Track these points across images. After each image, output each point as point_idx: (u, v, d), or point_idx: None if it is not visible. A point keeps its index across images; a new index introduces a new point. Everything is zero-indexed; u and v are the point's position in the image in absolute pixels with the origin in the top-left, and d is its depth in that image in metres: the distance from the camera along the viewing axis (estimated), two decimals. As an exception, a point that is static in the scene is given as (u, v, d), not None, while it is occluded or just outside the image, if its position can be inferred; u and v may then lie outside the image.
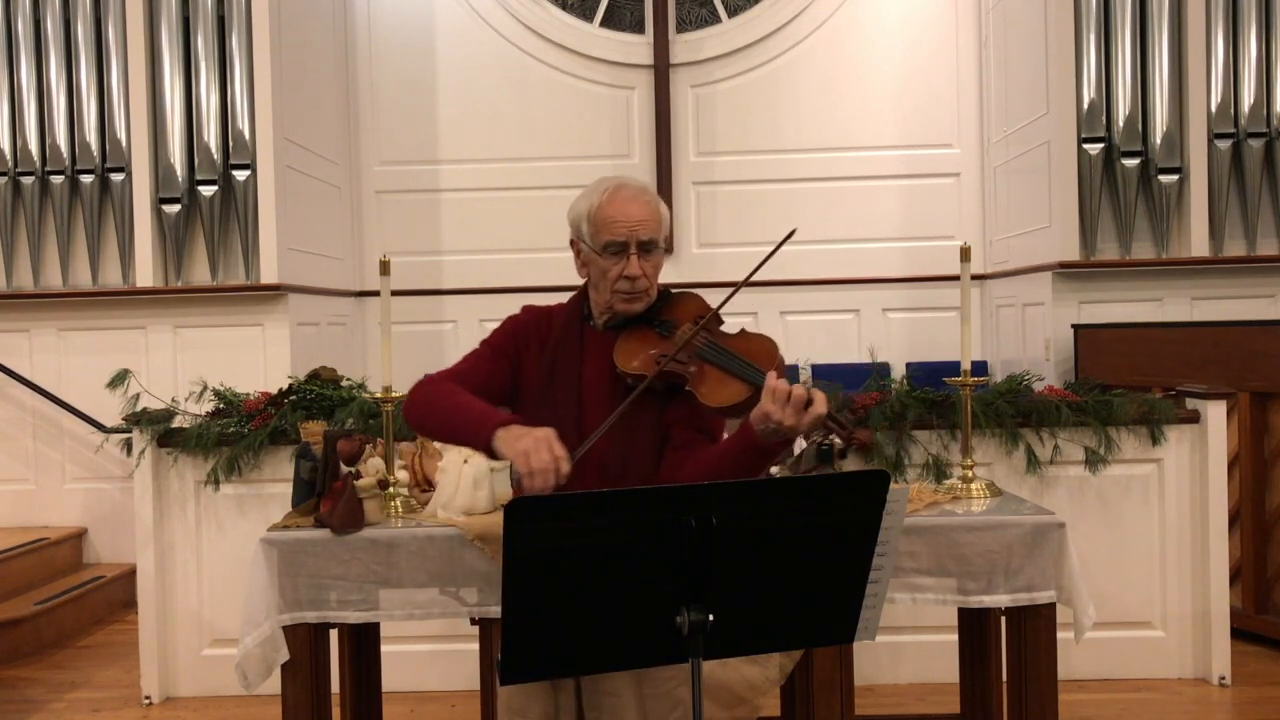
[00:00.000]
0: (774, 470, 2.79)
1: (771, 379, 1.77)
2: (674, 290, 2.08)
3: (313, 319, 5.66)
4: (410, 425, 2.13)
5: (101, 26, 5.37)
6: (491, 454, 1.89)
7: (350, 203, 6.42)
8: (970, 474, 2.83)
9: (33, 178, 5.40)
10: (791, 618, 1.63)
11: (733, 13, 6.52)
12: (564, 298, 2.24)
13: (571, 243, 2.05)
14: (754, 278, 1.95)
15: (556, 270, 6.03)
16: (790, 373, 4.89)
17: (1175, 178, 5.12)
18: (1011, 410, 3.65)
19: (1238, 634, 3.90)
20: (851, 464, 2.84)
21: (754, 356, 1.88)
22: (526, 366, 2.04)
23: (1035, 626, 2.47)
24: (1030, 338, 5.61)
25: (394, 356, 2.88)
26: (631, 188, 2.00)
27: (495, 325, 2.18)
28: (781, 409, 1.75)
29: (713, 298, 2.07)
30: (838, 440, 1.91)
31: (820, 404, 1.76)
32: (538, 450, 1.79)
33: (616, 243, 1.95)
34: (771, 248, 1.97)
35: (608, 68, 6.47)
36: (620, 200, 1.96)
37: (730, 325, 2.07)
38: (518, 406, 2.06)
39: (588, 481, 1.93)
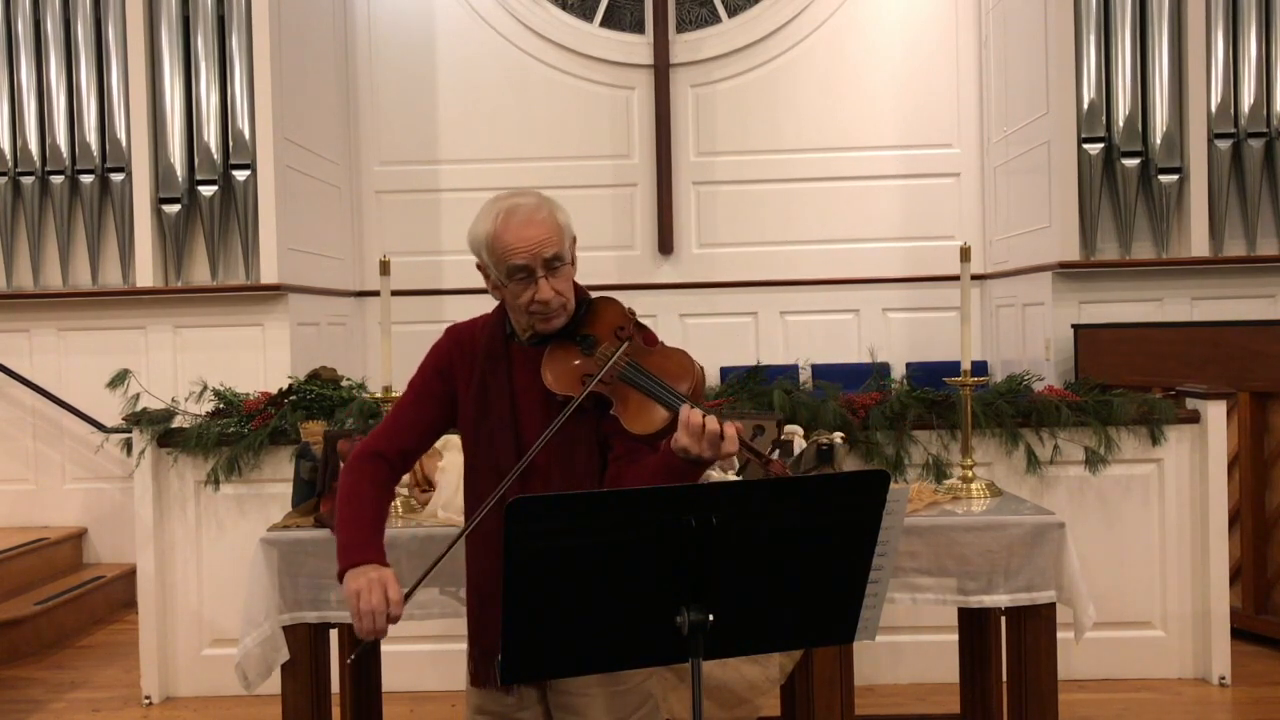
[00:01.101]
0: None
1: (685, 411, 1.77)
2: (593, 298, 2.05)
3: (313, 319, 5.66)
4: None
5: (101, 26, 5.37)
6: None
7: (350, 203, 6.43)
8: (970, 474, 2.83)
9: (33, 178, 5.40)
10: (791, 618, 1.63)
11: (733, 13, 6.52)
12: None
13: (478, 267, 2.01)
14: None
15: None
16: (790, 372, 4.88)
17: (1175, 178, 5.13)
18: (1011, 410, 3.65)
19: (1238, 634, 3.90)
20: (851, 464, 2.84)
21: (672, 376, 1.88)
22: (460, 391, 2.03)
23: (1035, 626, 2.48)
24: (1030, 338, 5.61)
25: (394, 356, 2.88)
26: (525, 207, 1.94)
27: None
28: (697, 442, 1.75)
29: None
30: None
31: (731, 441, 1.76)
32: (369, 592, 1.83)
33: (520, 269, 1.91)
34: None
35: (608, 68, 6.47)
36: (515, 225, 1.91)
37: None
38: (461, 427, 2.05)
39: (533, 488, 1.92)
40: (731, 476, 2.74)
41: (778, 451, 2.80)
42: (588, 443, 1.95)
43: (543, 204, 1.96)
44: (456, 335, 2.10)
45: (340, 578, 1.92)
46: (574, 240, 2.00)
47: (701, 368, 1.94)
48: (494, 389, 1.99)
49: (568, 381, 1.93)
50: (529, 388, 1.98)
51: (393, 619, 1.84)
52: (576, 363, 1.95)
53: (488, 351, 2.02)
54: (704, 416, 1.76)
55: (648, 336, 2.02)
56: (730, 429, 1.76)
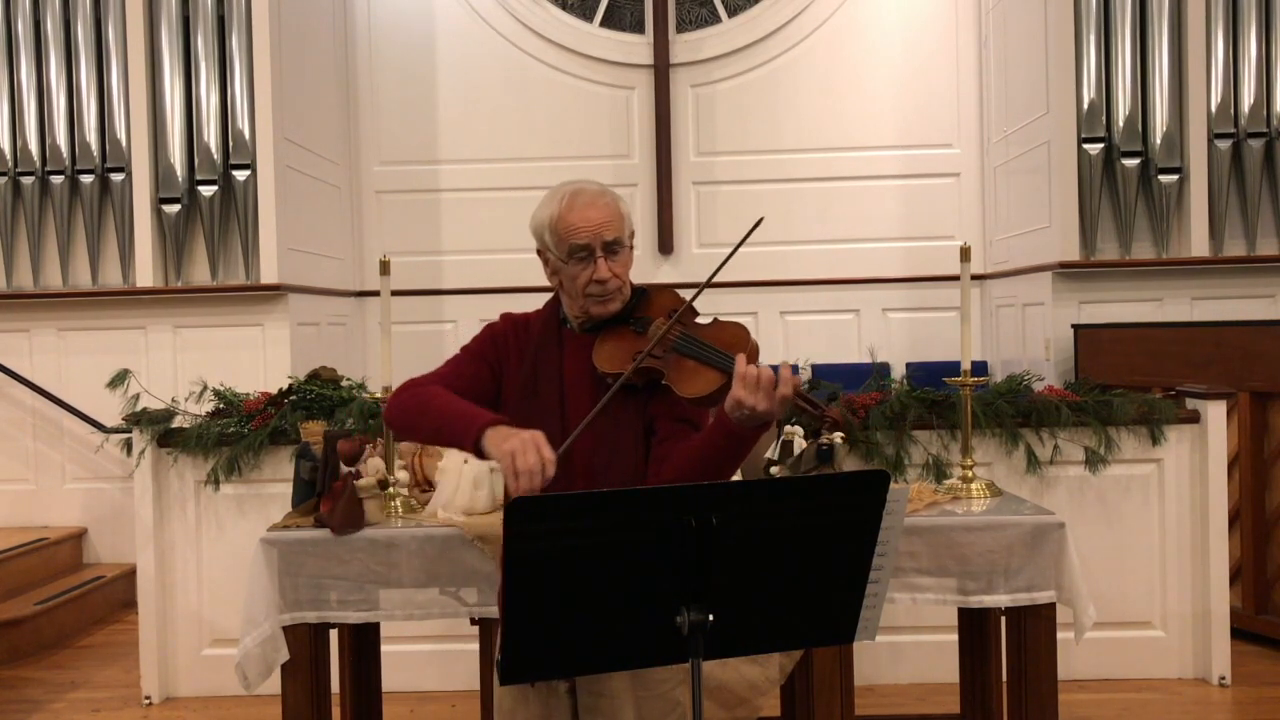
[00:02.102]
0: (774, 470, 2.80)
1: (740, 365, 1.77)
2: (648, 287, 2.09)
3: (313, 319, 5.66)
4: (393, 428, 2.12)
5: (101, 26, 5.37)
6: (480, 455, 1.89)
7: (350, 203, 6.43)
8: (970, 474, 2.83)
9: (33, 178, 5.40)
10: (791, 618, 1.63)
11: (733, 13, 6.52)
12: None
13: (538, 252, 2.05)
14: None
15: (556, 270, 6.03)
16: (791, 371, 4.86)
17: (1175, 178, 5.13)
18: (1011, 410, 3.65)
19: (1238, 634, 3.90)
20: (851, 464, 2.84)
21: (725, 344, 1.90)
22: (508, 374, 2.05)
23: (1035, 626, 2.48)
24: (1030, 338, 5.61)
25: (394, 356, 2.88)
26: (589, 192, 2.00)
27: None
28: (753, 393, 1.75)
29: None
30: (810, 420, 1.91)
31: (786, 383, 1.76)
32: (524, 452, 1.79)
33: (581, 248, 1.95)
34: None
35: (608, 68, 6.47)
36: (579, 206, 1.97)
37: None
38: (502, 411, 2.06)
39: (574, 479, 1.93)
40: (734, 476, 2.74)
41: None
42: (633, 427, 1.96)
43: (605, 191, 2.02)
44: (512, 319, 2.13)
45: (475, 443, 1.87)
46: (633, 233, 2.05)
47: (756, 342, 1.94)
48: (544, 374, 2.01)
49: (619, 361, 1.94)
50: (579, 374, 2.00)
51: (548, 478, 1.80)
52: (629, 345, 1.96)
53: (541, 337, 2.05)
54: (758, 367, 1.76)
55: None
56: (786, 372, 1.77)
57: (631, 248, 2.04)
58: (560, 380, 2.01)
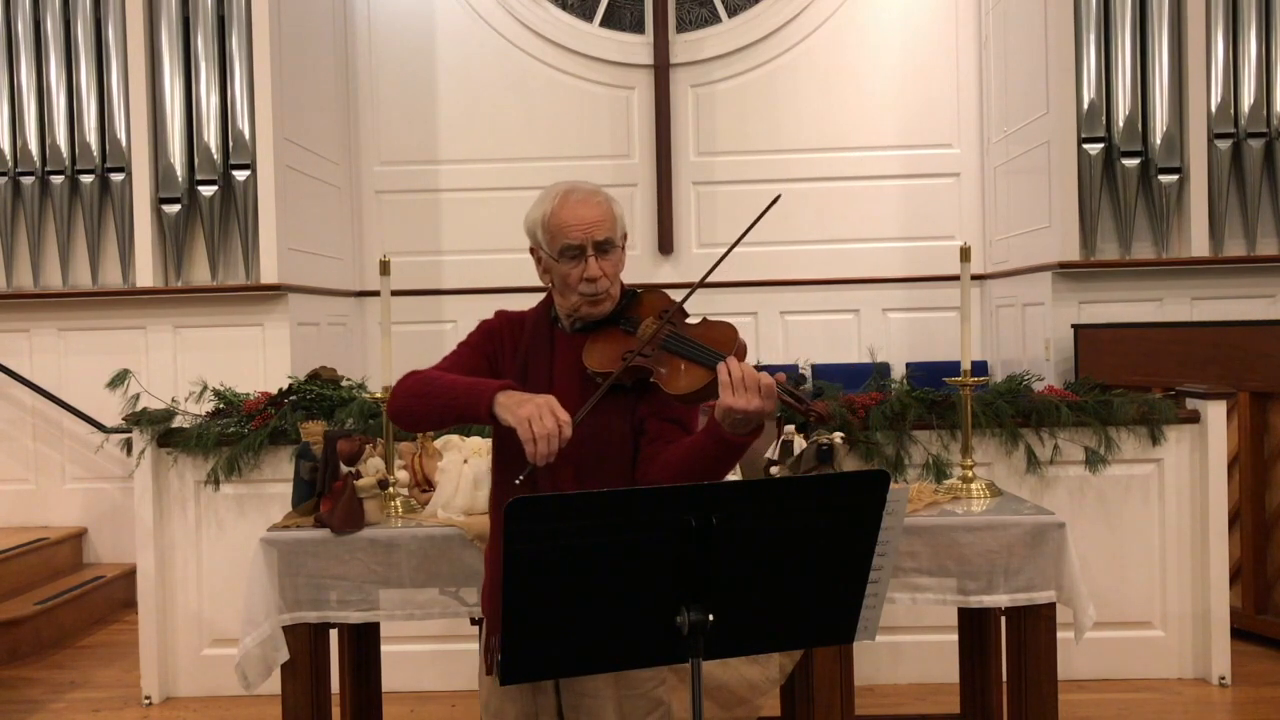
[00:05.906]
0: (774, 470, 2.79)
1: (723, 372, 1.77)
2: (638, 288, 2.10)
3: (313, 319, 5.66)
4: (397, 416, 2.06)
5: (101, 26, 5.37)
6: (494, 422, 1.89)
7: (350, 203, 6.43)
8: (970, 474, 2.83)
9: (33, 178, 5.40)
10: (791, 618, 1.63)
11: (733, 13, 6.52)
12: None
13: (531, 250, 2.06)
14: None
15: (556, 270, 6.04)
16: (790, 371, 4.90)
17: (1175, 178, 5.12)
18: (1011, 410, 3.65)
19: (1238, 634, 3.90)
20: (851, 464, 2.84)
21: (714, 342, 1.90)
22: (503, 370, 2.06)
23: (1035, 626, 2.48)
24: (1030, 338, 5.61)
25: (394, 356, 2.88)
26: (581, 191, 2.01)
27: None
28: (742, 395, 1.75)
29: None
30: (796, 415, 1.90)
31: (767, 377, 1.77)
32: (540, 416, 1.80)
33: (572, 246, 1.96)
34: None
35: (608, 68, 6.47)
36: (571, 204, 1.98)
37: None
38: None
39: (562, 479, 1.93)
40: (733, 476, 2.74)
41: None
42: (621, 428, 1.96)
43: (599, 191, 2.04)
44: (506, 317, 2.14)
45: (488, 410, 1.87)
46: (625, 234, 2.06)
47: (744, 341, 1.94)
48: (534, 372, 2.03)
49: (608, 361, 1.95)
50: (568, 373, 2.00)
51: (564, 441, 1.81)
52: (619, 345, 1.97)
53: (533, 335, 2.06)
54: (741, 366, 1.77)
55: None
56: (766, 376, 1.77)
57: (623, 249, 2.04)
58: (550, 379, 2.01)
